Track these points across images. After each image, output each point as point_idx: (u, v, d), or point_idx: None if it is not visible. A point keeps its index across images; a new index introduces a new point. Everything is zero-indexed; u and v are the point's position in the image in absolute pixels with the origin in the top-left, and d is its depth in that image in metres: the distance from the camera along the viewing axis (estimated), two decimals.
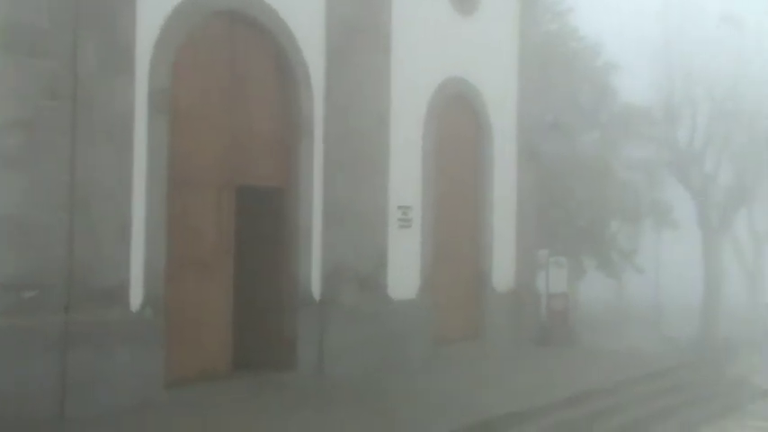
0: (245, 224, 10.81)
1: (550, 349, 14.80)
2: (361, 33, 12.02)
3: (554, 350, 14.72)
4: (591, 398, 10.90)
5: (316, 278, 11.28)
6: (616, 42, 22.55)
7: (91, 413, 8.27)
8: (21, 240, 8.05)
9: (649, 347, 17.98)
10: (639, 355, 15.08)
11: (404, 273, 12.76)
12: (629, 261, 22.57)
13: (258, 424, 8.45)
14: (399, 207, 12.82)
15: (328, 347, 11.15)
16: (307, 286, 11.16)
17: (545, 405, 10.03)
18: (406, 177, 12.91)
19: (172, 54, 9.51)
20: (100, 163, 8.68)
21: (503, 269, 15.11)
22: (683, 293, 26.56)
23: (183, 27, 9.68)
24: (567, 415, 10.08)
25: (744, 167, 23.64)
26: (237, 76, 10.57)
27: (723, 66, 22.22)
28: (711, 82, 22.49)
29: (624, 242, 23.83)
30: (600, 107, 22.22)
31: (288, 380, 10.71)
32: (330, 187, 11.47)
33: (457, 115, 14.35)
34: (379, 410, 9.19)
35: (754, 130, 23.28)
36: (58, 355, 8.16)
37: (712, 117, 22.71)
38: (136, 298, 9.00)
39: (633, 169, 22.98)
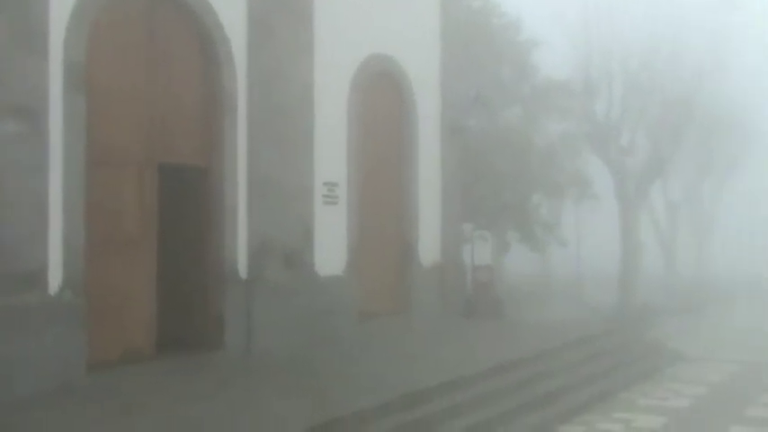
0: (169, 203, 10.63)
1: (476, 322, 15.06)
2: (283, 9, 11.90)
3: (480, 322, 14.98)
4: (517, 367, 11.14)
5: (242, 256, 11.19)
6: (536, 18, 22.88)
7: (10, 398, 8.05)
8: None
9: (572, 317, 18.47)
10: (562, 325, 15.48)
11: (330, 249, 12.77)
12: (551, 234, 23.09)
13: (179, 406, 8.23)
14: (325, 183, 12.80)
15: (255, 325, 11.09)
16: (233, 264, 11.06)
17: (472, 375, 10.20)
18: (331, 154, 12.89)
19: (87, 29, 9.23)
20: (13, 141, 8.39)
21: (428, 244, 15.27)
22: (604, 264, 27.37)
23: (98, 1, 9.40)
24: (494, 384, 10.28)
25: (658, 140, 24.38)
26: (157, 52, 10.32)
27: (637, 40, 22.81)
28: (626, 56, 23.07)
29: (546, 215, 24.39)
30: (521, 82, 22.56)
31: (215, 359, 10.62)
32: (255, 164, 11.36)
33: (381, 91, 14.38)
34: (307, 387, 9.20)
35: (667, 103, 24.01)
36: None
37: (628, 91, 23.31)
38: (55, 280, 8.76)
39: (554, 143, 23.44)
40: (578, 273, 29.47)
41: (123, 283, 9.84)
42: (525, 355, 11.73)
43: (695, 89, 25.06)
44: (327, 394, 8.84)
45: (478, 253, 16.33)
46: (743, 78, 28.09)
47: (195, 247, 11.02)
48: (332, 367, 10.42)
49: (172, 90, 10.53)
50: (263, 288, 11.26)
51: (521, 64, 22.46)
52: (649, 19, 23.27)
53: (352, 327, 12.84)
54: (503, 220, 20.83)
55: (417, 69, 15.04)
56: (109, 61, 9.69)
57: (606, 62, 23.12)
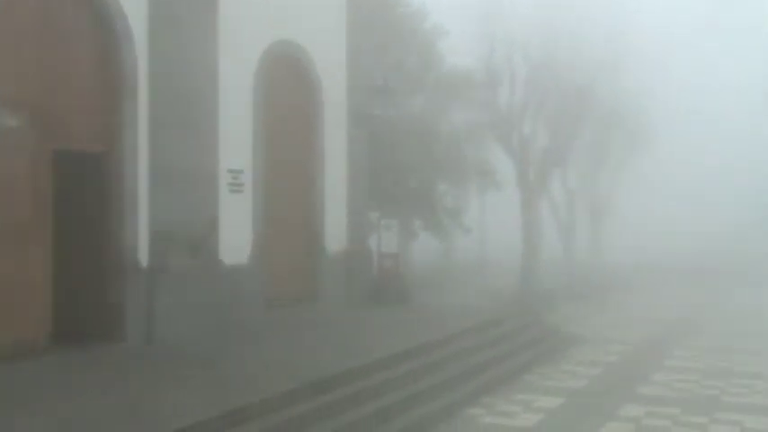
0: (67, 190, 10.26)
1: (383, 308, 15.16)
2: None
3: (386, 309, 15.09)
4: (422, 352, 11.29)
5: (143, 244, 10.93)
6: (441, 7, 23.12)
7: None
8: None
9: (475, 302, 18.83)
10: (466, 310, 15.75)
11: (236, 237, 12.61)
12: (456, 221, 23.48)
13: (64, 402, 7.80)
14: (230, 171, 12.62)
15: (158, 315, 10.85)
16: (133, 253, 10.78)
17: (377, 361, 10.27)
18: (236, 141, 12.71)
19: None
20: None
21: (335, 232, 15.28)
22: (507, 250, 28.00)
23: None
24: (399, 369, 10.38)
25: (558, 130, 25.08)
26: (53, 35, 9.92)
27: (539, 32, 23.35)
28: (528, 47, 23.60)
29: (451, 203, 24.77)
30: (427, 71, 22.78)
31: (113, 351, 10.33)
32: (157, 150, 11.09)
33: (287, 78, 14.27)
34: (211, 378, 9.06)
35: (567, 94, 24.70)
36: None
37: (529, 81, 23.86)
38: None
39: (459, 132, 23.80)
40: (482, 259, 30.09)
41: (15, 272, 9.45)
42: (430, 340, 11.90)
43: (593, 81, 25.85)
44: (231, 383, 8.73)
45: (385, 241, 16.42)
46: (639, 70, 29.14)
47: (94, 236, 10.69)
48: (236, 357, 10.30)
49: (69, 74, 10.17)
50: (165, 277, 11.01)
51: (426, 53, 22.68)
52: (550, 11, 23.82)
53: (259, 315, 12.74)
54: (409, 208, 21.02)
55: (323, 56, 14.98)
56: None
57: (508, 53, 23.58)
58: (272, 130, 13.64)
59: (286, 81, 14.24)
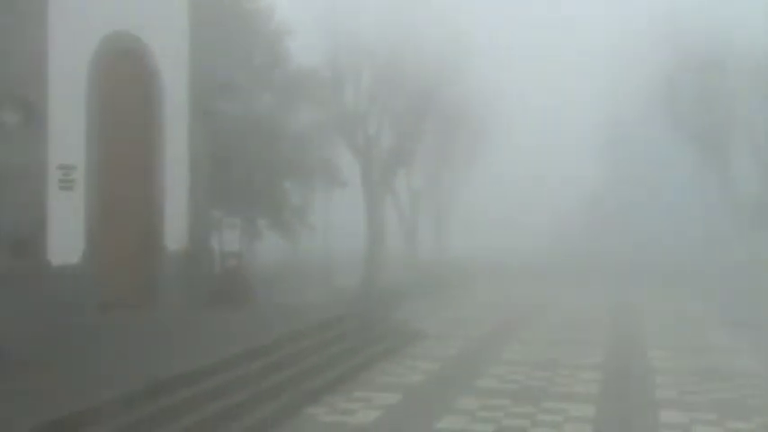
0: None
1: (225, 309, 14.90)
2: None
3: (229, 310, 14.84)
4: (263, 352, 11.19)
5: None
6: (288, 4, 23.01)
7: None
8: None
9: (320, 300, 18.88)
10: (310, 308, 15.77)
11: (66, 236, 12.01)
12: (301, 220, 23.43)
13: None
14: (60, 167, 12.00)
15: None
16: None
17: (217, 363, 10.09)
18: (67, 135, 12.11)
19: None
20: None
21: (175, 230, 14.85)
22: (352, 248, 28.27)
23: None
24: (239, 370, 10.25)
25: (403, 130, 25.59)
26: None
27: (385, 32, 23.73)
28: (374, 48, 23.94)
29: (297, 202, 24.69)
30: (274, 69, 22.60)
31: None
32: None
33: (125, 71, 13.73)
34: (36, 385, 8.57)
35: (411, 97, 25.25)
36: None
37: (375, 82, 24.21)
38: None
39: (305, 131, 23.77)
40: (328, 257, 30.22)
41: None
42: (272, 339, 11.82)
43: (439, 81, 26.54)
44: (57, 390, 8.30)
45: (227, 239, 16.17)
46: (482, 71, 30.18)
47: None
48: (66, 361, 9.80)
49: None
50: None
51: (273, 50, 22.49)
52: (396, 11, 24.25)
53: (91, 319, 12.17)
54: (254, 206, 20.78)
55: (164, 50, 14.52)
56: None
57: (354, 53, 23.83)
58: (107, 124, 13.07)
59: (123, 74, 13.69)
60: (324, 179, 25.33)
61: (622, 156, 38.88)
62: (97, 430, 7.63)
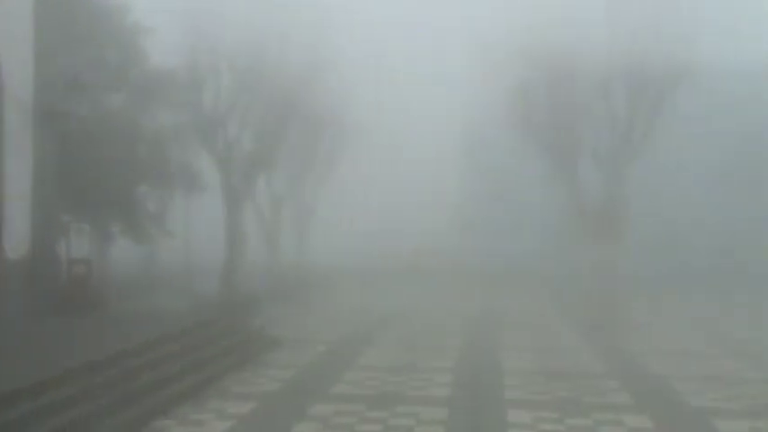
0: None
1: (72, 318, 14.26)
2: None
3: (76, 318, 14.21)
4: (111, 363, 10.78)
5: None
6: (146, 2, 22.31)
7: None
8: None
9: (177, 308, 18.37)
10: (166, 316, 15.32)
11: None
12: (158, 226, 22.76)
13: None
14: None
15: None
16: None
17: (62, 374, 9.64)
18: None
19: None
20: None
21: (17, 237, 14.07)
22: (212, 254, 27.71)
23: None
24: (87, 381, 9.83)
25: (264, 135, 25.32)
26: None
27: (246, 34, 23.42)
28: (235, 49, 23.59)
29: (154, 207, 23.96)
30: (129, 68, 21.83)
31: None
32: None
33: None
34: None
35: (273, 101, 25.03)
36: None
37: (235, 87, 23.86)
38: None
39: (162, 133, 23.09)
40: (187, 263, 29.50)
41: None
42: (122, 349, 11.40)
43: (300, 87, 26.41)
44: None
45: (75, 245, 15.47)
46: (345, 77, 30.26)
47: None
48: None
49: None
50: None
51: (127, 49, 21.73)
52: (258, 15, 23.97)
53: None
54: (106, 211, 20.01)
55: (7, 51, 13.73)
56: None
57: (214, 54, 23.40)
58: None
59: None
60: (183, 184, 24.69)
61: (481, 163, 40.06)
62: None
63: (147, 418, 9.97)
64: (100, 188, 19.67)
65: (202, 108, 23.67)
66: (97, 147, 19.42)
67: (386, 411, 10.70)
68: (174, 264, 29.77)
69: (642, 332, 18.80)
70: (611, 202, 24.02)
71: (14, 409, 8.47)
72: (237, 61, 23.78)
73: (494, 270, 32.30)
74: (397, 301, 25.17)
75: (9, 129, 13.95)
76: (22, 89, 14.26)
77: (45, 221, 14.88)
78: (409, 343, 16.70)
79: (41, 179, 14.77)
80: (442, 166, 41.02)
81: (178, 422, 10.04)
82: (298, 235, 32.53)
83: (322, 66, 27.81)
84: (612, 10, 24.19)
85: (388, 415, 10.53)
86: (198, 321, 14.92)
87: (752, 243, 33.22)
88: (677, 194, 34.31)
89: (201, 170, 24.18)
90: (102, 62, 20.76)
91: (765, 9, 32.20)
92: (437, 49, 38.49)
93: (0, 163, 13.77)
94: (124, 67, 21.71)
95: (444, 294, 27.41)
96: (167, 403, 10.62)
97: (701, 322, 21.04)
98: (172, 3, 23.19)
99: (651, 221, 33.11)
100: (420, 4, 40.04)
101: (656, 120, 24.60)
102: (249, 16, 23.86)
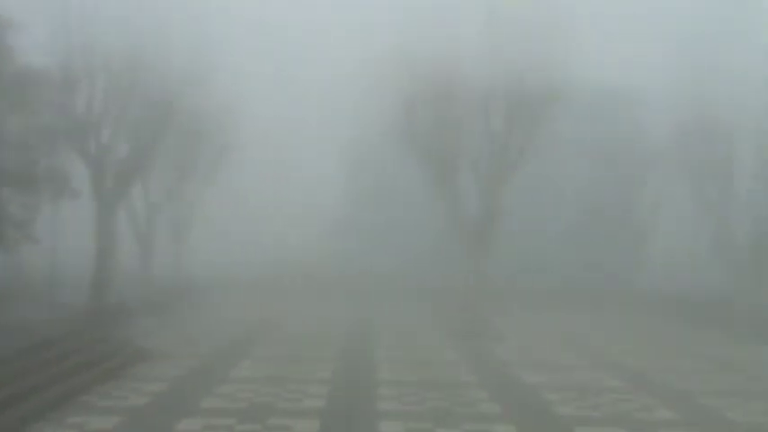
0: None
1: None
2: None
3: None
4: None
5: None
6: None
7: None
8: None
9: (41, 318, 17.41)
10: (27, 327, 14.49)
11: None
12: (22, 231, 21.56)
13: None
14: None
15: None
16: None
17: None
18: None
19: None
20: None
21: None
22: (82, 262, 26.51)
23: None
24: None
25: (139, 140, 24.45)
26: None
27: (122, 38, 22.59)
28: (110, 52, 22.70)
29: (18, 212, 22.71)
30: None
31: None
32: None
33: None
34: None
35: (149, 106, 24.21)
36: None
37: (109, 89, 22.94)
38: None
39: (29, 135, 21.93)
40: (54, 271, 28.06)
41: None
42: None
43: (180, 93, 25.67)
44: None
45: None
46: (227, 86, 29.66)
47: None
48: None
49: None
50: None
51: None
52: (137, 18, 23.19)
53: None
54: None
55: None
56: None
57: (88, 56, 22.44)
58: None
59: None
60: (51, 188, 23.52)
61: (365, 176, 40.23)
62: None
63: None
64: None
65: (75, 110, 22.64)
66: None
67: (258, 424, 10.46)
68: (42, 272, 28.29)
69: (511, 344, 19.23)
70: (488, 215, 24.52)
71: None
72: (113, 62, 22.89)
73: (373, 282, 32.42)
74: (274, 311, 24.85)
75: None
76: None
77: None
78: (285, 354, 16.48)
79: None
80: (325, 179, 41.03)
81: None
82: (176, 244, 31.60)
83: (204, 71, 27.20)
84: (493, 34, 24.76)
85: (260, 428, 10.30)
86: (60, 332, 14.21)
87: (618, 255, 34.71)
88: (550, 210, 35.49)
89: (74, 175, 23.10)
90: None
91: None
92: (326, 61, 38.48)
93: None
94: None
95: (323, 303, 27.24)
96: (23, 420, 10.01)
97: (571, 335, 21.77)
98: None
99: (528, 236, 34.06)
100: (311, 15, 40.05)
101: (532, 136, 25.31)
102: (128, 15, 23.06)
